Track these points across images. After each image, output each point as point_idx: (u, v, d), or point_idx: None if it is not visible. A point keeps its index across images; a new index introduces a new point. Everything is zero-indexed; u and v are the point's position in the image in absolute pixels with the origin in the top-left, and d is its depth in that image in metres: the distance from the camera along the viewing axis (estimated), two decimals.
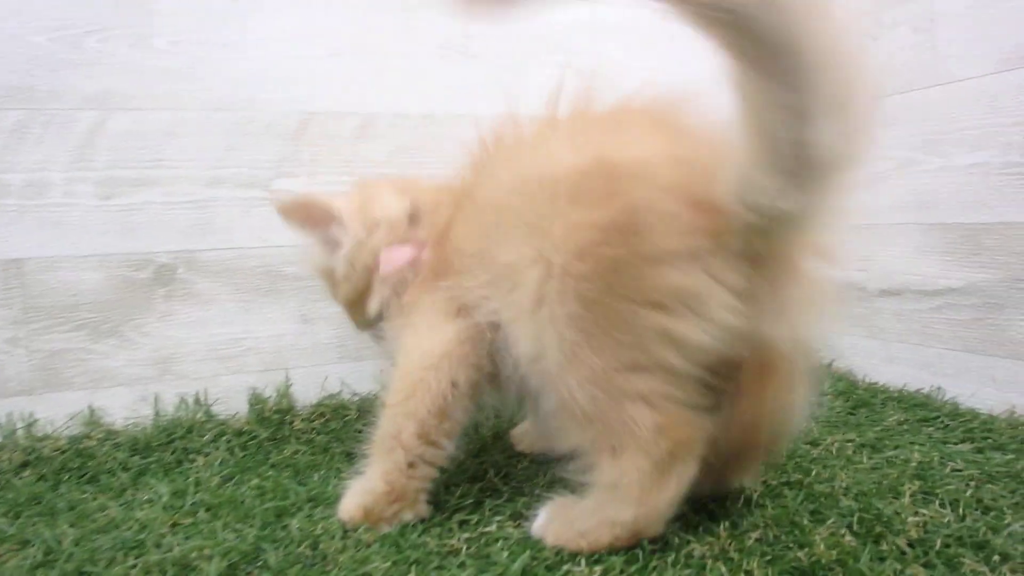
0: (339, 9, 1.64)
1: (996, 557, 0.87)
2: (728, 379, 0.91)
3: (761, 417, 0.96)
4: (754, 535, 0.94)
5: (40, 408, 1.45)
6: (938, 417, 1.40)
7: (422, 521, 1.02)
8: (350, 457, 1.28)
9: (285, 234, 1.55)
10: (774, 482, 1.11)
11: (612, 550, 0.89)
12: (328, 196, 1.24)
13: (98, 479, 1.25)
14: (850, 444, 1.26)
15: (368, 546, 0.94)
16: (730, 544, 0.91)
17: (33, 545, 0.99)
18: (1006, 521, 0.95)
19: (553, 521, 0.95)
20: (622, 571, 0.86)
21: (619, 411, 0.87)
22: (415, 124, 1.70)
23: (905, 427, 1.36)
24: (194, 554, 0.93)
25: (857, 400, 1.53)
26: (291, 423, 1.48)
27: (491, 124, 1.11)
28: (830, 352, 1.76)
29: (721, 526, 0.94)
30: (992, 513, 0.98)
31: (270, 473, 1.23)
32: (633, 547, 0.90)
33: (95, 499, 1.15)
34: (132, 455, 1.33)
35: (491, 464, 1.22)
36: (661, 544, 0.91)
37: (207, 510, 1.08)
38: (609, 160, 0.90)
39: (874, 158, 1.62)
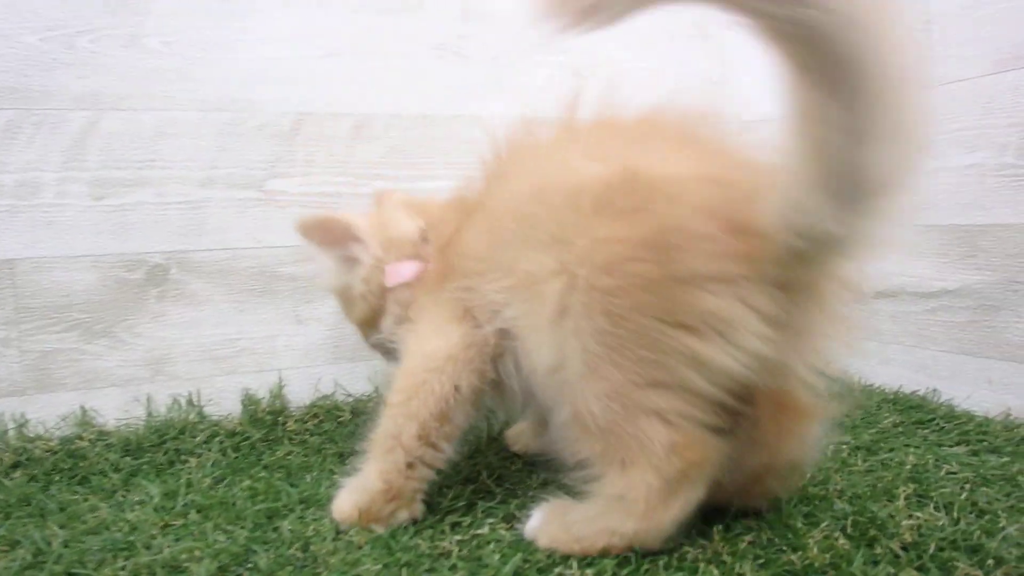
0: (334, 9, 1.64)
1: (990, 561, 0.86)
2: (747, 403, 0.90)
3: (778, 445, 0.96)
4: (747, 538, 0.93)
5: (32, 409, 1.45)
6: (933, 419, 1.39)
7: (414, 523, 1.01)
8: (343, 458, 1.28)
9: (279, 235, 1.55)
10: None
11: (604, 554, 0.89)
12: (348, 215, 1.24)
13: (89, 480, 1.24)
14: (845, 446, 1.26)
15: (359, 548, 0.94)
16: (723, 547, 0.90)
17: (22, 546, 0.98)
18: (1001, 524, 0.94)
19: (548, 523, 0.95)
20: (614, 574, 0.85)
21: (634, 425, 0.86)
22: (410, 125, 1.70)
23: (900, 429, 1.35)
24: (184, 556, 0.92)
25: (852, 402, 1.53)
26: (284, 424, 1.47)
27: (504, 128, 1.10)
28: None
29: (714, 528, 0.93)
30: (987, 516, 0.98)
31: (262, 474, 1.23)
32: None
33: (86, 500, 1.14)
34: (124, 456, 1.32)
35: (484, 466, 1.22)
36: None
37: (198, 511, 1.08)
38: (637, 173, 0.88)
39: None
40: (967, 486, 1.07)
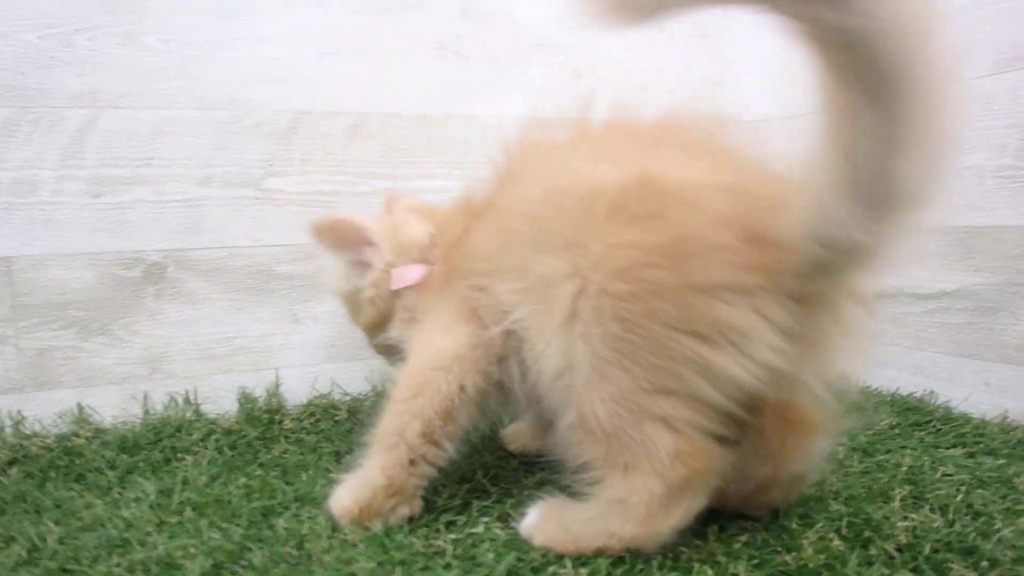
0: (332, 8, 1.63)
1: (985, 563, 0.86)
2: (754, 414, 0.90)
3: (784, 457, 0.96)
4: (742, 538, 0.93)
5: (29, 406, 1.45)
6: (930, 421, 1.40)
7: (409, 520, 1.02)
8: (339, 457, 1.28)
9: (276, 233, 1.55)
10: None
11: (598, 555, 0.88)
12: (362, 219, 1.24)
13: (85, 477, 1.24)
14: (841, 448, 1.25)
15: (354, 546, 0.94)
16: (717, 547, 0.90)
17: (17, 543, 0.98)
18: (996, 527, 0.94)
19: (544, 522, 0.95)
20: (608, 574, 0.85)
21: (639, 431, 0.85)
22: (407, 124, 1.70)
23: (897, 431, 1.35)
24: (179, 552, 0.92)
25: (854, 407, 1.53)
26: (280, 423, 1.47)
27: (517, 130, 1.10)
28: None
29: (709, 529, 0.93)
30: (982, 518, 0.98)
31: (258, 472, 1.23)
32: None
33: (82, 497, 1.14)
34: (120, 453, 1.32)
35: (480, 465, 1.22)
36: None
37: (193, 509, 1.08)
38: (653, 179, 0.88)
39: None
40: (963, 488, 1.08)
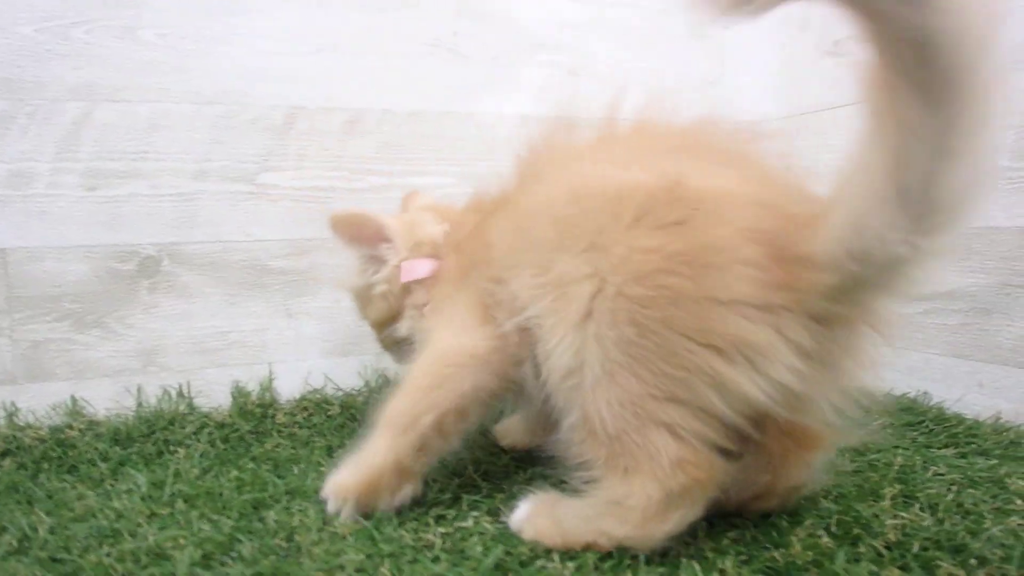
0: (328, 5, 1.64)
1: (973, 560, 0.86)
2: (759, 430, 0.89)
3: (783, 469, 0.96)
4: (730, 535, 0.93)
5: (23, 398, 1.45)
6: (923, 422, 1.40)
7: (398, 514, 1.02)
8: (331, 452, 1.28)
9: (270, 228, 1.55)
10: None
11: (586, 550, 0.89)
12: (381, 214, 1.25)
13: (78, 469, 1.24)
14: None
15: (343, 539, 0.94)
16: (706, 543, 0.90)
17: (8, 532, 0.98)
18: (985, 525, 0.94)
19: (535, 516, 0.95)
20: (596, 567, 0.86)
21: (643, 436, 0.85)
22: (403, 121, 1.70)
23: (889, 431, 1.35)
24: (169, 543, 0.92)
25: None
26: (273, 417, 1.47)
27: (542, 129, 1.09)
28: None
29: (698, 525, 0.93)
30: (972, 517, 0.98)
31: (250, 466, 1.23)
32: None
33: (74, 488, 1.14)
34: (113, 446, 1.32)
35: (471, 460, 1.22)
36: None
37: (185, 501, 1.08)
38: (682, 186, 0.87)
39: None
40: (954, 487, 1.08)
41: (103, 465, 1.24)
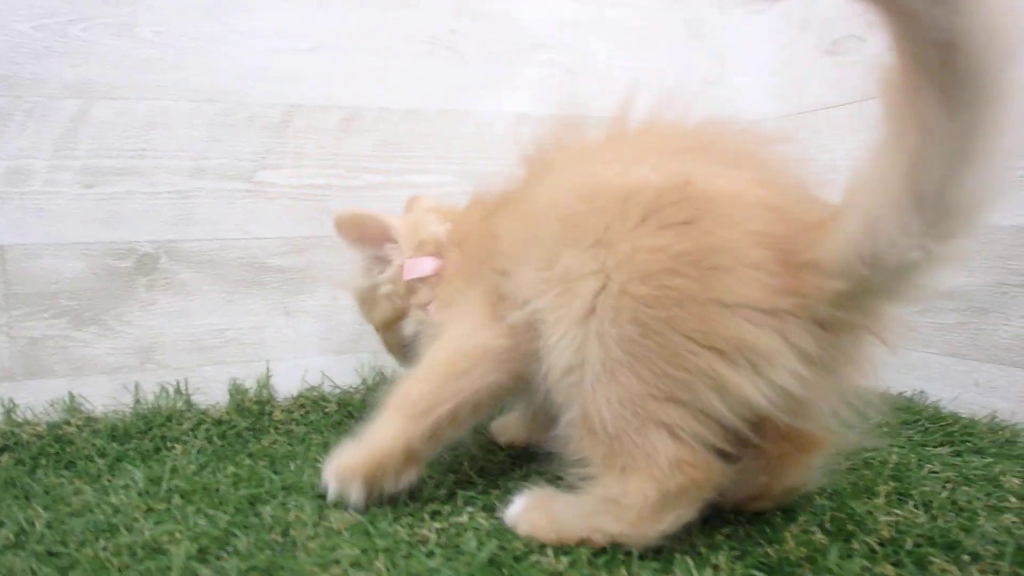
0: (326, 3, 1.64)
1: (966, 557, 0.86)
2: (758, 433, 0.88)
3: (781, 472, 0.97)
4: (724, 530, 0.94)
5: (20, 394, 1.45)
6: (918, 420, 1.40)
7: (393, 509, 1.02)
8: (328, 448, 1.28)
9: (268, 226, 1.56)
10: None
11: (580, 546, 0.89)
12: (386, 215, 1.25)
13: (75, 464, 1.24)
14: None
15: (338, 533, 0.94)
16: (699, 539, 0.90)
17: (5, 527, 0.98)
18: (979, 522, 0.95)
19: (530, 511, 0.95)
20: (590, 563, 0.86)
21: (642, 435, 0.85)
22: (401, 119, 1.70)
23: (885, 430, 1.35)
24: (165, 537, 0.93)
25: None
26: (270, 414, 1.47)
27: (552, 126, 1.09)
28: None
29: (691, 521, 0.94)
30: (965, 514, 0.98)
31: (247, 462, 1.23)
32: None
33: (71, 484, 1.15)
34: (110, 442, 1.32)
35: (467, 457, 1.22)
36: None
37: (181, 496, 1.08)
38: (692, 186, 0.86)
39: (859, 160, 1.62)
40: (948, 485, 1.08)
41: (100, 461, 1.24)
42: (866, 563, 0.85)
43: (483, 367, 1.02)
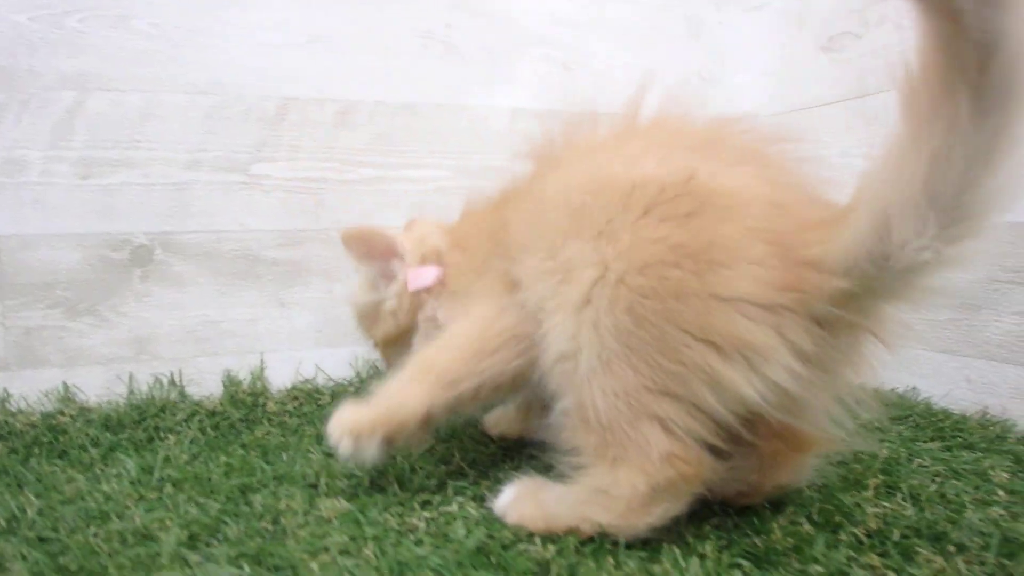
0: None
1: (951, 548, 0.87)
2: (751, 430, 0.88)
3: (772, 470, 0.97)
4: (712, 521, 0.94)
5: (15, 384, 1.46)
6: (910, 416, 1.40)
7: (383, 498, 1.03)
8: (320, 440, 1.28)
9: (263, 219, 1.56)
10: None
11: (567, 535, 0.89)
12: (392, 231, 1.26)
13: (68, 454, 1.25)
14: None
15: (328, 522, 0.95)
16: (687, 529, 0.91)
17: None
18: (966, 515, 0.95)
19: (519, 500, 0.96)
20: (577, 551, 0.87)
21: (635, 427, 0.85)
22: (395, 112, 1.70)
23: (876, 424, 1.36)
24: (156, 525, 0.94)
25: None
26: (264, 405, 1.48)
27: (561, 121, 1.09)
28: None
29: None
30: (953, 507, 0.99)
31: (239, 452, 1.23)
32: None
33: (64, 472, 1.15)
34: (104, 432, 1.33)
35: (459, 448, 1.23)
36: None
37: (173, 485, 1.09)
38: (695, 180, 0.87)
39: (856, 156, 1.63)
40: (937, 479, 1.09)
41: (94, 450, 1.25)
42: (852, 553, 0.86)
43: (510, 350, 1.02)
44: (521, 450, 1.20)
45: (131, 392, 1.52)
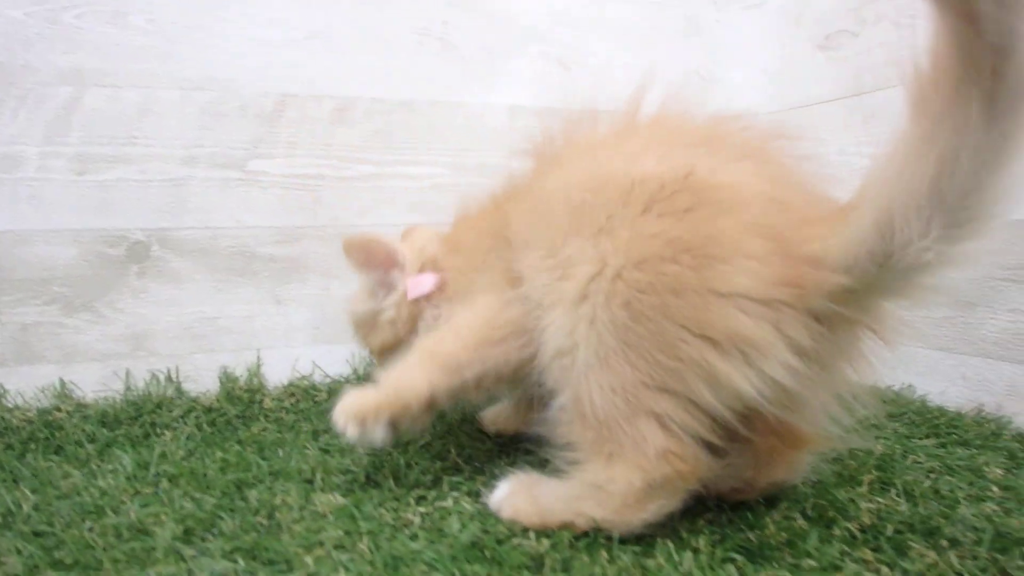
0: None
1: (944, 542, 0.87)
2: (748, 427, 0.88)
3: (768, 468, 0.97)
4: (706, 516, 0.94)
5: (11, 380, 1.46)
6: (905, 413, 1.40)
7: (378, 493, 1.03)
8: (317, 436, 1.29)
9: (260, 215, 1.56)
10: None
11: (562, 529, 0.90)
12: (393, 241, 1.25)
13: (64, 449, 1.25)
14: None
15: (323, 516, 0.95)
16: (681, 523, 0.91)
17: None
18: (960, 510, 0.96)
19: (514, 495, 0.96)
20: (571, 545, 0.87)
21: (631, 424, 0.85)
22: (393, 109, 1.71)
23: (871, 421, 1.36)
24: (151, 519, 0.94)
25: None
26: (260, 402, 1.48)
27: (562, 119, 1.09)
28: None
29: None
30: (947, 502, 0.99)
31: (235, 448, 1.23)
32: None
33: (60, 468, 1.15)
34: (100, 428, 1.33)
35: (454, 444, 1.23)
36: None
37: (169, 480, 1.09)
38: (694, 176, 0.87)
39: (853, 154, 1.63)
40: (931, 475, 1.09)
41: (90, 446, 1.25)
42: (845, 548, 0.86)
43: (514, 342, 1.02)
44: (517, 446, 1.20)
45: (127, 388, 1.52)
